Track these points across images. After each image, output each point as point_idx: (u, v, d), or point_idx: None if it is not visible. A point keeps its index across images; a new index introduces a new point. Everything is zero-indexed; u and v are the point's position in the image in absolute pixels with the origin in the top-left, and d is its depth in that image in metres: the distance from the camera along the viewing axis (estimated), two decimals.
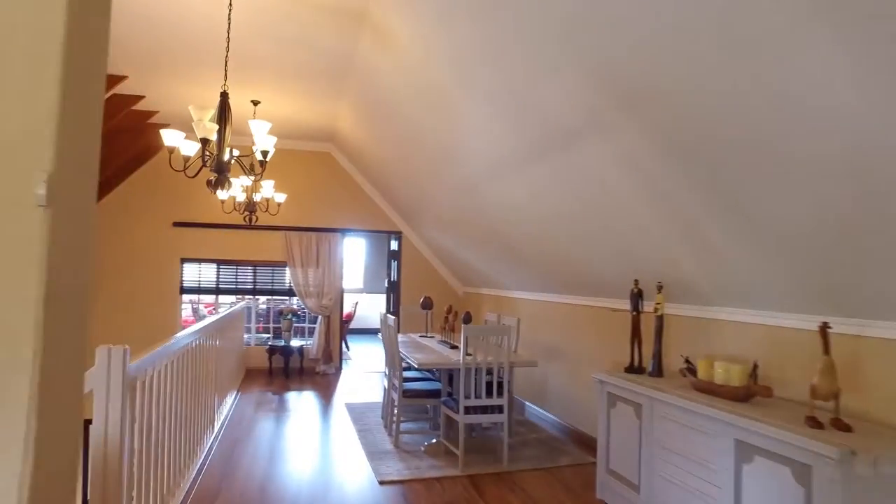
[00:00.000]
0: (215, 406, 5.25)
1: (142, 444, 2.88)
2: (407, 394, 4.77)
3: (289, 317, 7.76)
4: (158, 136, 8.08)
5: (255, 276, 8.06)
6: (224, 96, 3.73)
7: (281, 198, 6.38)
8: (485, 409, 4.30)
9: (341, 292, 8.23)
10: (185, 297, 8.04)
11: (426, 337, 6.03)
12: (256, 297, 8.39)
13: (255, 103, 6.27)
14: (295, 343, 7.88)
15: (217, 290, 8.01)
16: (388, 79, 4.78)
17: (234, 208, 6.27)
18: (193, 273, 7.95)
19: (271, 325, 8.55)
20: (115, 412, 2.46)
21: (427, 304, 6.11)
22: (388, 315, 5.14)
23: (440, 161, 5.31)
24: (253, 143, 4.31)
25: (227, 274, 8.03)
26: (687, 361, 3.18)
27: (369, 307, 14.06)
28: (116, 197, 7.79)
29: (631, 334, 3.73)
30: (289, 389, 6.97)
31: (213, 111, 3.55)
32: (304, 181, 8.23)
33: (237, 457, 4.45)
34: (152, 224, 7.81)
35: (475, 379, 4.27)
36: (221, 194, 5.99)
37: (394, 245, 8.84)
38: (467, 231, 6.22)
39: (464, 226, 6.17)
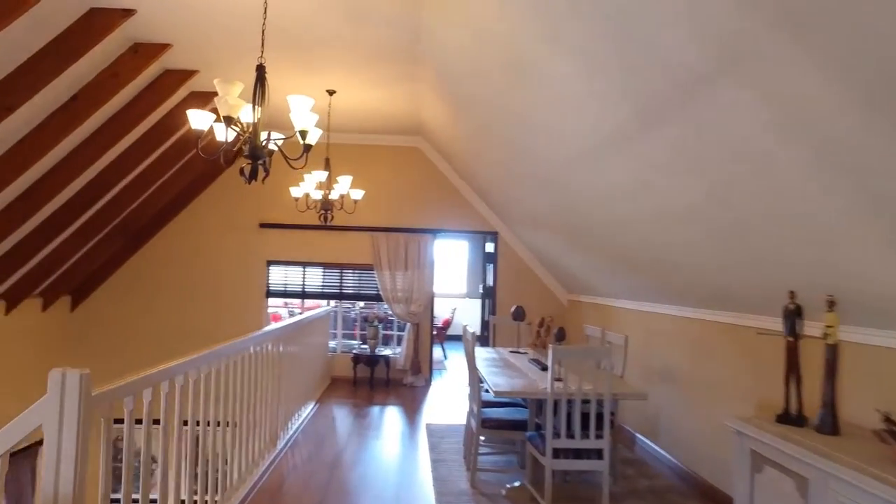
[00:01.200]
0: (280, 421, 4.76)
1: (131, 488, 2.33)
2: (487, 424, 3.96)
3: (374, 324, 7.24)
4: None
5: (341, 279, 7.63)
6: (260, 70, 3.13)
7: (358, 194, 5.83)
8: (579, 453, 3.38)
9: (432, 298, 7.58)
10: (272, 301, 7.79)
11: (517, 353, 5.18)
12: (343, 301, 7.97)
13: (331, 93, 5.78)
14: (382, 352, 7.34)
15: (303, 294, 7.67)
16: (464, 53, 4.02)
17: (308, 206, 5.80)
18: (279, 276, 7.67)
19: (358, 333, 8.07)
20: (69, 457, 1.89)
21: (519, 315, 5.26)
22: (466, 327, 4.36)
23: (531, 147, 4.45)
24: (320, 137, 3.72)
25: (314, 277, 7.66)
26: (887, 420, 2.09)
27: (471, 313, 13.37)
28: (206, 198, 7.70)
29: (785, 368, 2.66)
30: (370, 403, 6.41)
31: (239, 86, 2.95)
32: (391, 178, 7.69)
33: (289, 486, 3.88)
34: (239, 225, 7.64)
35: (567, 413, 3.37)
36: (296, 191, 5.55)
37: (489, 247, 8.05)
38: (564, 228, 5.30)
39: (561, 222, 5.26)
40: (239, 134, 3.16)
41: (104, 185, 6.42)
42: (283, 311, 9.44)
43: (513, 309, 5.36)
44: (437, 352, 9.87)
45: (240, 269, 7.60)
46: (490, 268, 7.87)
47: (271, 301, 7.86)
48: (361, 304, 8.82)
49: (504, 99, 4.12)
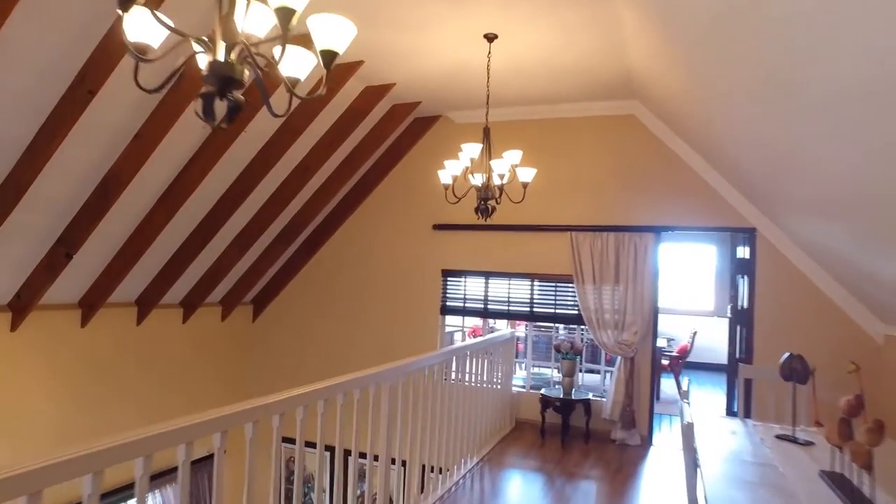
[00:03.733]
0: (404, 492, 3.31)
1: None
2: None
3: (568, 356, 5.38)
4: (411, 123, 6.76)
5: (532, 295, 5.94)
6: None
7: (528, 175, 4.09)
8: None
9: (654, 322, 5.44)
10: (449, 320, 6.45)
11: (790, 440, 2.93)
12: (536, 323, 6.28)
13: (490, 39, 4.17)
14: (581, 395, 5.45)
15: (485, 313, 6.16)
16: None
17: (455, 195, 4.25)
18: (457, 289, 6.29)
19: (552, 366, 6.25)
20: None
21: (795, 371, 2.99)
22: (684, 407, 2.41)
23: (824, 78, 2.24)
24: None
25: (498, 290, 6.11)
26: None
27: (719, 336, 10.50)
28: (377, 197, 6.70)
29: None
30: (556, 468, 4.60)
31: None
32: (595, 160, 5.75)
33: None
34: (411, 228, 6.46)
35: None
36: (444, 175, 4.11)
37: (741, 251, 5.57)
38: (889, 216, 2.84)
39: (883, 203, 2.82)
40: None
41: (286, 195, 5.87)
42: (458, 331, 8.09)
43: (783, 359, 3.09)
44: (668, 385, 7.52)
45: (412, 280, 6.43)
46: (743, 281, 5.40)
47: (449, 320, 6.51)
48: (561, 327, 7.01)
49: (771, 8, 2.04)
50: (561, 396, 5.28)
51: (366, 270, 6.68)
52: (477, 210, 4.15)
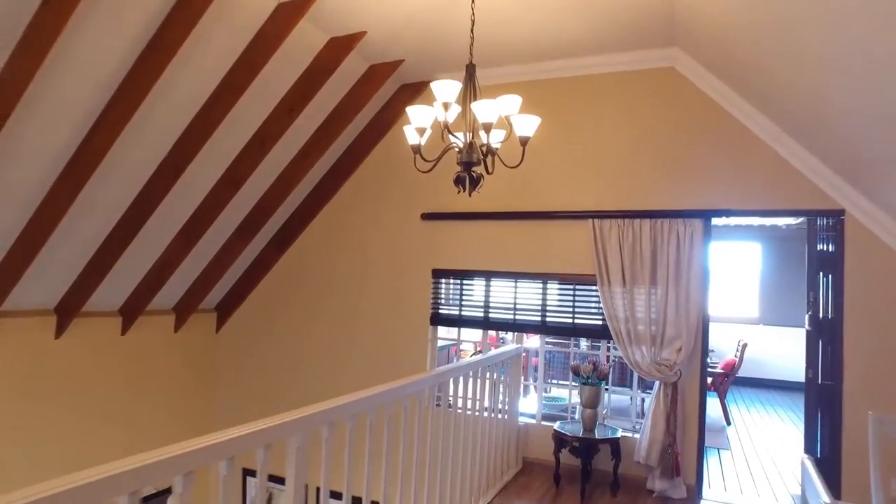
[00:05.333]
0: None
1: None
2: None
3: (590, 380, 4.10)
4: (396, 92, 5.50)
5: (544, 299, 4.68)
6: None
7: (527, 125, 2.84)
8: None
9: (702, 336, 4.15)
10: (441, 332, 5.22)
11: None
12: (550, 336, 5.03)
13: None
14: (606, 433, 4.18)
15: (486, 323, 4.92)
16: None
17: (423, 158, 3.01)
18: (451, 293, 5.08)
19: (570, 393, 4.94)
20: None
21: None
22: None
23: None
24: None
25: (502, 294, 4.87)
26: None
27: (769, 347, 9.13)
28: (357, 181, 5.53)
29: None
30: None
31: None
32: (623, 127, 4.49)
33: None
34: (396, 217, 5.27)
35: None
36: (410, 133, 2.92)
37: (823, 243, 4.23)
38: None
39: None
40: None
41: (239, 174, 4.75)
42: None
43: None
44: (713, 407, 6.18)
45: (395, 283, 5.23)
46: (825, 280, 4.06)
47: (444, 332, 5.28)
48: (582, 342, 5.74)
49: None
50: (580, 435, 4.01)
51: (340, 272, 5.51)
52: (457, 181, 2.93)
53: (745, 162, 4.10)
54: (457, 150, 2.92)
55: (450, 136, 2.88)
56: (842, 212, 3.88)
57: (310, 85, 4.45)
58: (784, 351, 9.31)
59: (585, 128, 4.59)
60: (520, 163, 2.93)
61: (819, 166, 3.87)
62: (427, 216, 5.07)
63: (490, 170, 3.01)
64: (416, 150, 2.99)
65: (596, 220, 4.37)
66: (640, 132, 4.43)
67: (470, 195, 2.96)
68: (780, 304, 9.97)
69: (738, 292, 9.97)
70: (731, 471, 4.91)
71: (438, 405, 3.68)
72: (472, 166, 2.89)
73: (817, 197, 3.92)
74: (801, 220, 8.89)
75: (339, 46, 4.31)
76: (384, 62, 4.81)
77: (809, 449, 4.01)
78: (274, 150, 4.76)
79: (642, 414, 4.60)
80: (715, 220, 4.19)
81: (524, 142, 2.82)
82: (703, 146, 4.23)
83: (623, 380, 6.23)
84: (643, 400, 4.64)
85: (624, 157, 4.46)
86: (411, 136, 2.98)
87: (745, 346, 7.13)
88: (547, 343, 5.79)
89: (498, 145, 3.03)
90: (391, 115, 5.35)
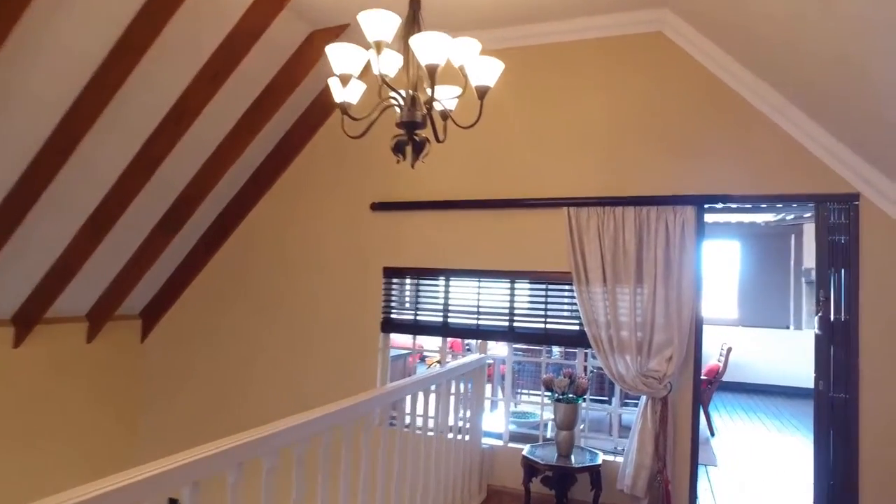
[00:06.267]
0: None
1: None
2: None
3: (566, 397, 3.46)
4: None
5: (511, 301, 4.04)
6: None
7: (489, 71, 2.19)
8: None
9: (696, 341, 3.55)
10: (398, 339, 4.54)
11: None
12: (518, 345, 4.40)
13: None
14: (584, 459, 3.54)
15: (444, 329, 4.25)
16: None
17: (350, 116, 2.34)
18: (405, 294, 4.41)
19: (542, 407, 4.27)
20: None
21: None
22: None
23: None
24: None
25: (463, 296, 4.22)
26: None
27: (750, 349, 8.68)
28: (300, 168, 4.82)
29: None
30: None
31: None
32: (603, 100, 3.88)
33: None
34: (342, 208, 4.57)
35: None
36: (336, 88, 2.24)
37: (835, 233, 3.64)
38: None
39: None
40: None
41: (152, 156, 4.01)
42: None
43: None
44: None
45: (343, 284, 4.53)
46: (839, 277, 3.48)
47: (397, 339, 4.61)
48: (558, 350, 5.11)
49: None
50: (554, 462, 3.36)
51: (281, 271, 4.78)
52: (396, 148, 2.26)
53: (745, 139, 3.52)
54: (396, 107, 2.25)
55: (390, 91, 2.21)
56: (856, 196, 3.33)
57: (236, 48, 3.75)
58: (765, 354, 8.89)
59: (560, 102, 3.97)
60: (476, 121, 2.26)
61: (831, 143, 3.31)
62: (377, 206, 4.39)
63: (441, 136, 2.35)
64: (342, 107, 2.31)
65: (572, 209, 3.75)
66: (623, 107, 3.82)
67: (413, 166, 2.29)
68: (761, 305, 9.57)
69: (718, 293, 9.54)
70: (723, 492, 4.34)
71: (392, 424, 3.10)
72: (414, 128, 2.22)
73: (828, 179, 3.36)
74: (780, 216, 8.50)
75: (270, 4, 3.63)
76: (327, 27, 4.13)
77: (820, 475, 3.45)
78: (196, 128, 4.03)
79: (622, 425, 3.98)
80: (710, 218, 3.60)
81: (482, 93, 2.17)
82: (695, 122, 3.64)
83: (601, 390, 5.62)
84: (621, 416, 4.02)
85: (604, 136, 3.84)
86: (336, 90, 2.31)
87: (729, 350, 6.61)
88: (516, 351, 5.17)
89: (451, 103, 2.37)
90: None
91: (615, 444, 3.97)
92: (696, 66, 3.64)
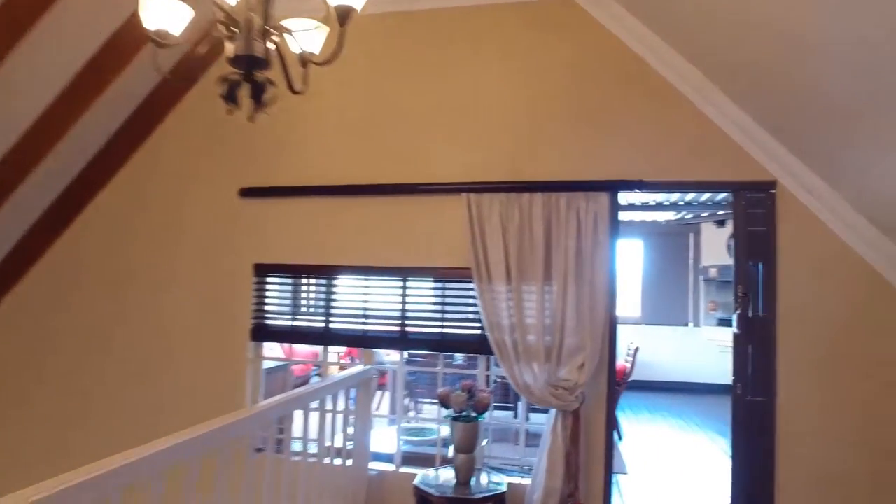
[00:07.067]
0: None
1: None
2: None
3: (464, 416, 2.95)
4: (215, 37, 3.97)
5: (404, 302, 3.48)
6: None
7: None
8: None
9: (610, 345, 3.16)
10: (268, 348, 3.86)
11: None
12: (410, 353, 3.87)
13: None
14: (485, 480, 3.05)
15: (326, 336, 3.62)
16: None
17: (158, 43, 1.71)
18: (282, 295, 3.75)
19: (439, 425, 3.72)
20: None
21: None
22: None
23: None
24: None
25: (348, 297, 3.62)
26: None
27: (653, 347, 8.66)
28: (157, 144, 4.02)
29: None
30: None
31: None
32: (506, 75, 3.42)
33: None
34: (206, 194, 3.84)
35: None
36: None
37: (753, 224, 3.35)
38: None
39: None
40: None
41: None
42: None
43: None
44: None
45: (207, 284, 3.79)
46: (755, 272, 3.20)
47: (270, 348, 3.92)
48: (462, 356, 4.62)
49: None
50: (451, 493, 2.83)
51: (136, 268, 3.95)
52: (228, 93, 1.64)
53: (662, 122, 3.18)
54: (227, 38, 1.62)
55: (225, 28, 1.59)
56: (773, 184, 3.06)
57: None
58: (668, 352, 8.94)
59: (457, 75, 3.47)
60: (336, 54, 1.67)
61: (751, 127, 3.02)
62: (248, 192, 3.69)
63: (298, 85, 1.75)
64: (153, 38, 1.65)
65: (472, 195, 3.25)
66: (530, 82, 3.37)
67: (253, 118, 1.67)
68: (662, 303, 9.63)
69: (623, 291, 9.51)
70: (636, 502, 4.02)
71: (260, 450, 2.48)
72: (254, 65, 1.60)
73: (747, 166, 3.07)
74: (681, 215, 8.55)
75: None
76: None
77: (738, 481, 3.18)
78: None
79: (529, 432, 3.53)
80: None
81: (343, 16, 1.59)
82: (608, 101, 3.26)
83: (506, 397, 5.20)
84: (528, 432, 3.57)
85: (508, 114, 3.38)
86: (148, 12, 1.65)
87: (636, 350, 6.43)
88: (414, 357, 4.65)
89: (310, 43, 1.78)
90: (203, 59, 3.90)
91: (522, 459, 3.51)
92: (610, 38, 3.26)
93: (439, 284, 3.44)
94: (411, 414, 5.73)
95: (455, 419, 2.93)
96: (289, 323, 3.67)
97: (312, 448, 2.83)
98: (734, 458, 3.18)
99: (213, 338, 3.72)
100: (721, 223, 8.59)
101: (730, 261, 8.44)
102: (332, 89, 3.55)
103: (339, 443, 3.15)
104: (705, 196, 6.92)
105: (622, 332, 7.73)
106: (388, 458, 3.51)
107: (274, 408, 2.51)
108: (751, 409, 3.12)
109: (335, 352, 5.34)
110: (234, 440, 2.12)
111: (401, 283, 3.47)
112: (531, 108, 3.35)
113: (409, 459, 3.58)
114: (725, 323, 8.68)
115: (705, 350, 8.71)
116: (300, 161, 3.63)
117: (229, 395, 3.65)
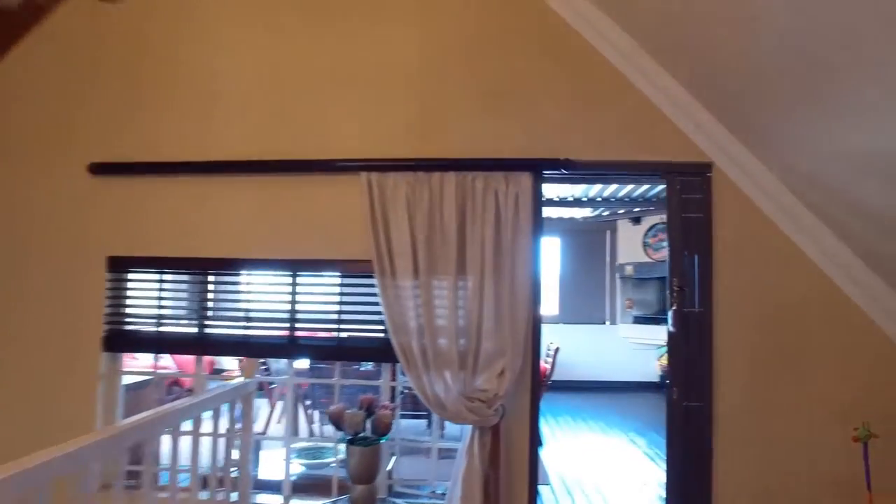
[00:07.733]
0: None
1: None
2: None
3: (361, 439, 2.44)
4: None
5: (294, 301, 2.92)
6: None
7: None
8: None
9: (533, 348, 2.74)
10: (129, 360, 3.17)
11: None
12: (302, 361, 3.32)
13: None
14: None
15: (199, 343, 2.99)
16: None
17: None
18: (143, 297, 3.07)
19: (335, 447, 3.17)
20: None
21: None
22: None
23: None
24: None
25: (226, 296, 3.02)
26: None
27: (572, 347, 8.48)
28: None
29: None
30: None
31: None
32: (415, 33, 2.94)
33: None
34: (48, 169, 3.10)
35: None
36: None
37: (687, 209, 3.02)
38: None
39: None
40: None
41: None
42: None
43: None
44: None
45: (53, 281, 3.05)
46: (691, 262, 2.89)
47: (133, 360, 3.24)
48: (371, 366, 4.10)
49: None
50: None
51: None
52: None
53: (591, 95, 2.82)
54: None
55: None
56: (709, 166, 2.77)
57: None
58: (586, 351, 8.82)
59: (357, 35, 2.95)
60: None
61: (688, 102, 2.71)
62: (100, 169, 2.99)
63: None
64: None
65: (374, 174, 2.74)
66: (442, 47, 2.91)
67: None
68: (580, 302, 9.52)
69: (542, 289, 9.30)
70: None
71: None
72: None
73: (682, 145, 2.76)
74: (598, 211, 8.44)
75: None
76: None
77: (673, 489, 2.87)
78: None
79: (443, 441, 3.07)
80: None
81: None
82: (532, 70, 2.85)
83: (417, 405, 4.71)
84: (450, 459, 3.11)
85: (415, 79, 2.90)
86: None
87: (557, 350, 6.15)
88: (315, 365, 4.10)
89: None
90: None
91: (434, 479, 3.04)
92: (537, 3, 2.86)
93: (336, 280, 2.91)
94: (315, 427, 5.14)
95: (351, 442, 2.41)
96: (153, 329, 3.01)
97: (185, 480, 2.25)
98: (669, 468, 2.86)
99: (55, 350, 2.99)
100: (637, 220, 8.56)
101: (645, 258, 8.51)
102: (209, 50, 2.95)
103: (220, 471, 2.56)
104: (624, 191, 6.79)
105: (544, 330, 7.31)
106: (272, 489, 2.94)
107: (124, 433, 1.92)
108: (686, 417, 2.82)
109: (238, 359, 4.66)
110: (59, 478, 1.53)
111: (290, 279, 2.90)
112: (443, 76, 2.89)
113: (304, 487, 3.04)
114: (641, 321, 8.66)
115: (622, 348, 8.66)
116: (167, 132, 2.99)
117: (78, 420, 2.94)
